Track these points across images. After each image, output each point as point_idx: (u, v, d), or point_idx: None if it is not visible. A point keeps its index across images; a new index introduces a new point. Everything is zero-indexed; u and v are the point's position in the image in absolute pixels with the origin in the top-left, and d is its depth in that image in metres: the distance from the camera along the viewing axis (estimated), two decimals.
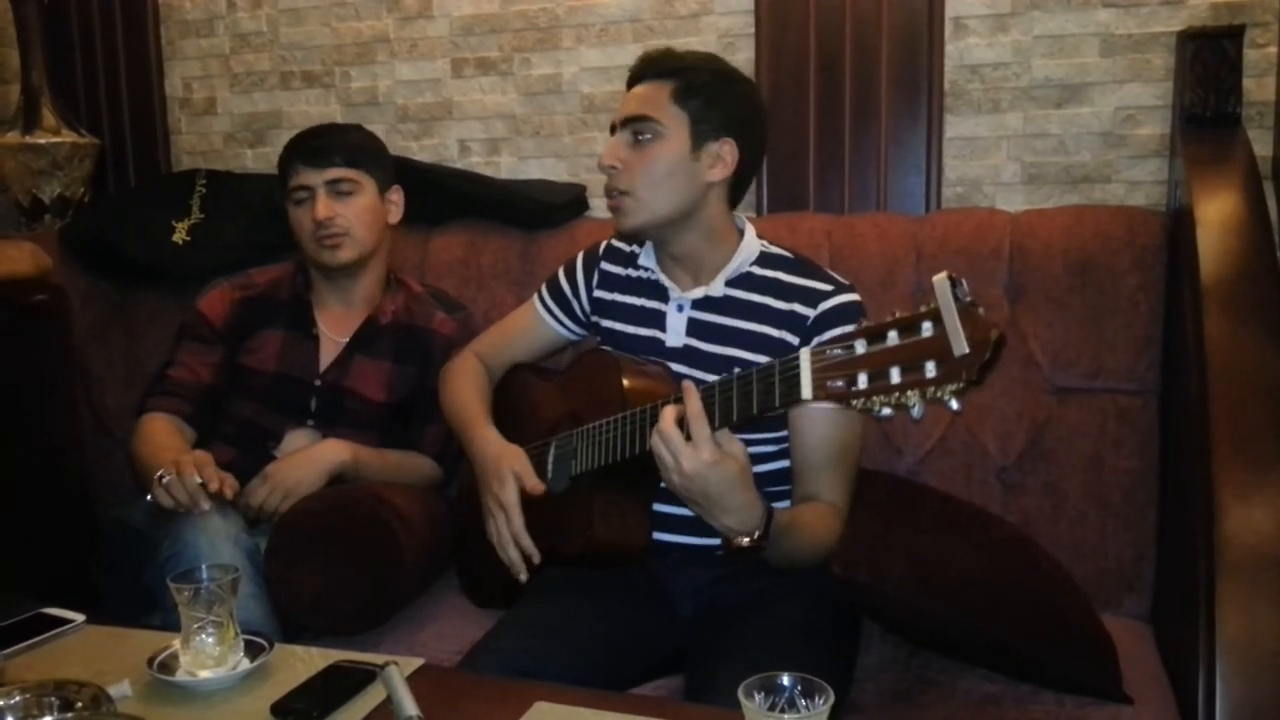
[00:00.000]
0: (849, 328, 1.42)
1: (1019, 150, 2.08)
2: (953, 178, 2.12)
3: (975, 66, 2.08)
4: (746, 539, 1.27)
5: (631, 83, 1.55)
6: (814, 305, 1.49)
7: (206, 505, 1.60)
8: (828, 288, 1.51)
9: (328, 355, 1.91)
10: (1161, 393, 1.75)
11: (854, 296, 1.52)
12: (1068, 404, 1.78)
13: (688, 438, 1.23)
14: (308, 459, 1.77)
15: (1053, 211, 1.91)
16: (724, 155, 1.50)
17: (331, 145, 1.86)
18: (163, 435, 1.81)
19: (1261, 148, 1.88)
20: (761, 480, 1.51)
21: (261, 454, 1.83)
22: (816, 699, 0.94)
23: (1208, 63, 1.81)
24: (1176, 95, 1.91)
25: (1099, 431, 1.75)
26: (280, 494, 1.71)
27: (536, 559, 1.50)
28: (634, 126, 1.49)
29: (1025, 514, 1.75)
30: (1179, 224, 1.74)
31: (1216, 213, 1.63)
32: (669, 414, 1.25)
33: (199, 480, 1.60)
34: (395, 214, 1.95)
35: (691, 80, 1.49)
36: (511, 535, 1.50)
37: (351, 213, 1.85)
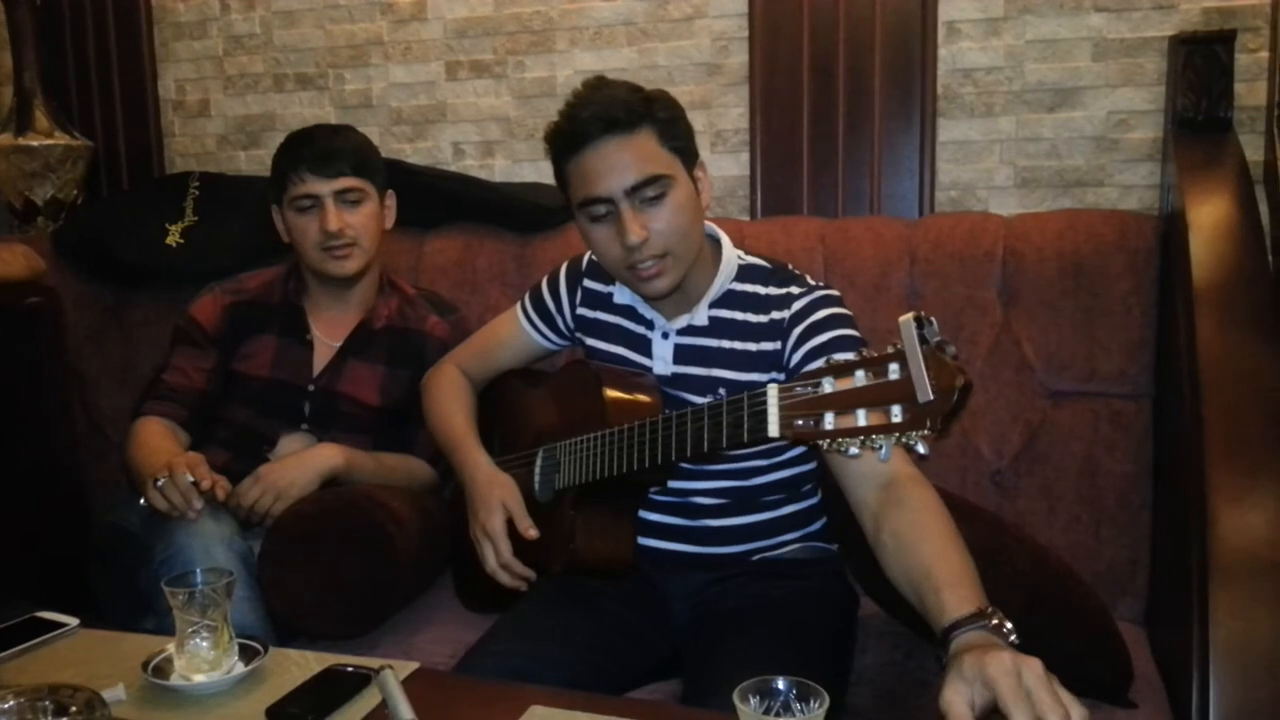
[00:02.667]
0: (829, 311, 1.43)
1: (1012, 154, 2.08)
2: (946, 181, 2.12)
3: (968, 70, 2.08)
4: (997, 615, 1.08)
5: (586, 140, 1.38)
6: (788, 306, 1.47)
7: (199, 504, 1.59)
8: (801, 289, 1.49)
9: (321, 360, 1.91)
10: (1155, 396, 1.76)
11: (832, 291, 1.50)
12: (1061, 407, 1.79)
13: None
14: (300, 461, 1.77)
15: (1046, 215, 1.91)
16: (703, 176, 1.47)
17: (338, 152, 1.83)
18: (157, 439, 1.81)
19: (1253, 152, 1.89)
20: (760, 491, 1.52)
21: (256, 457, 1.82)
22: (811, 702, 0.94)
23: (1200, 67, 1.83)
24: (1169, 100, 1.92)
25: (1092, 435, 1.76)
26: (272, 495, 1.71)
27: (532, 577, 1.50)
28: (645, 191, 1.37)
29: (1019, 517, 1.76)
30: (1171, 228, 1.75)
31: (1208, 217, 1.64)
32: None
33: (191, 479, 1.60)
34: (390, 218, 1.96)
35: (662, 117, 1.39)
36: (502, 565, 1.50)
37: (360, 222, 1.85)
